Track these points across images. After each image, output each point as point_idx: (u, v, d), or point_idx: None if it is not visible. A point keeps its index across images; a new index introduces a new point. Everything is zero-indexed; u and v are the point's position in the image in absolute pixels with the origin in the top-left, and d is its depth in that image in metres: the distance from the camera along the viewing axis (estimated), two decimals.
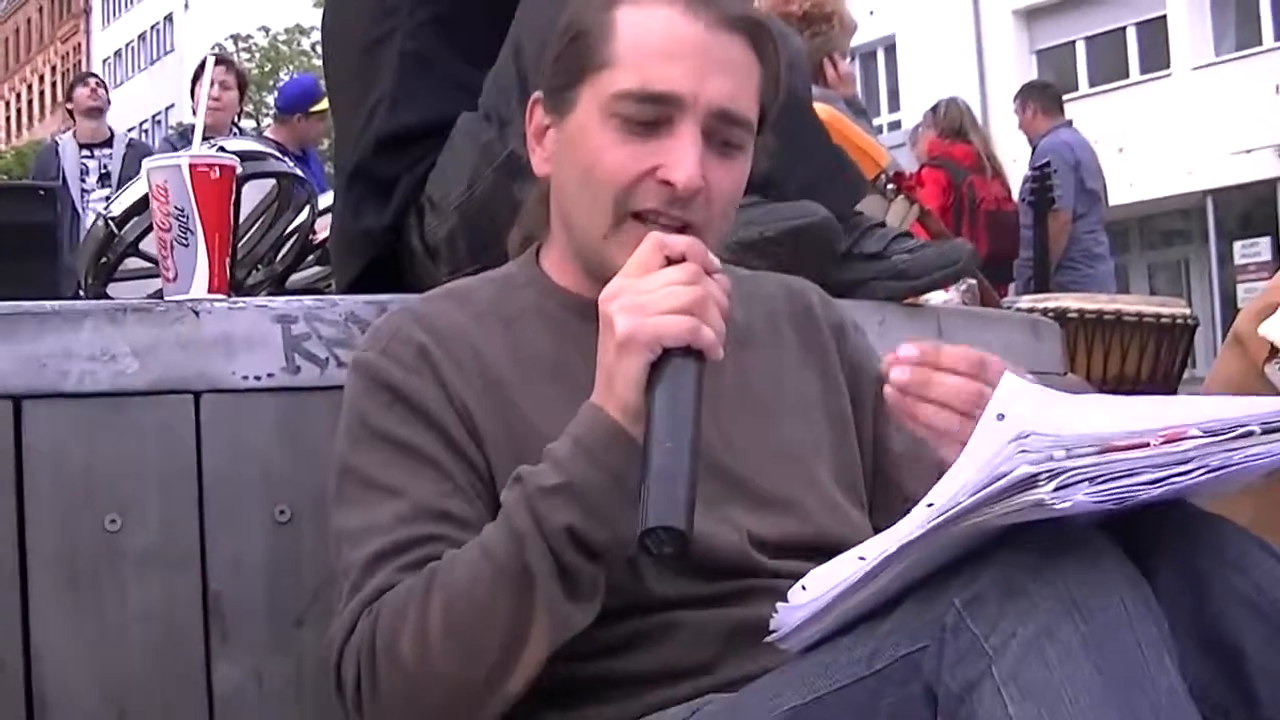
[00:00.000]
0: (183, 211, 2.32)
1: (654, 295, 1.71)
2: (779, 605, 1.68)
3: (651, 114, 1.87)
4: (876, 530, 1.75)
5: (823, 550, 1.84)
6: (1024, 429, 1.46)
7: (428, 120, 2.85)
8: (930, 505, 1.52)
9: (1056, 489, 1.43)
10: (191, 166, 2.32)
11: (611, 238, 1.89)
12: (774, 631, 1.69)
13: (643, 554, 1.61)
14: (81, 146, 9.09)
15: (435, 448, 1.86)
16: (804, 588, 1.66)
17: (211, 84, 4.02)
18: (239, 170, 2.44)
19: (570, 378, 1.90)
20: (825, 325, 2.15)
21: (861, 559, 1.58)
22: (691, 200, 1.86)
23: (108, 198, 8.24)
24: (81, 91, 9.43)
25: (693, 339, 1.69)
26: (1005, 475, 1.45)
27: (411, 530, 1.80)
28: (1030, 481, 1.44)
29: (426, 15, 2.89)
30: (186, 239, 2.32)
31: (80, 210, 8.52)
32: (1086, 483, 1.44)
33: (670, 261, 1.75)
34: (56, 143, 9.53)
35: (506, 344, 1.96)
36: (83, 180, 8.92)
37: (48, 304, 2.16)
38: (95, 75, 9.99)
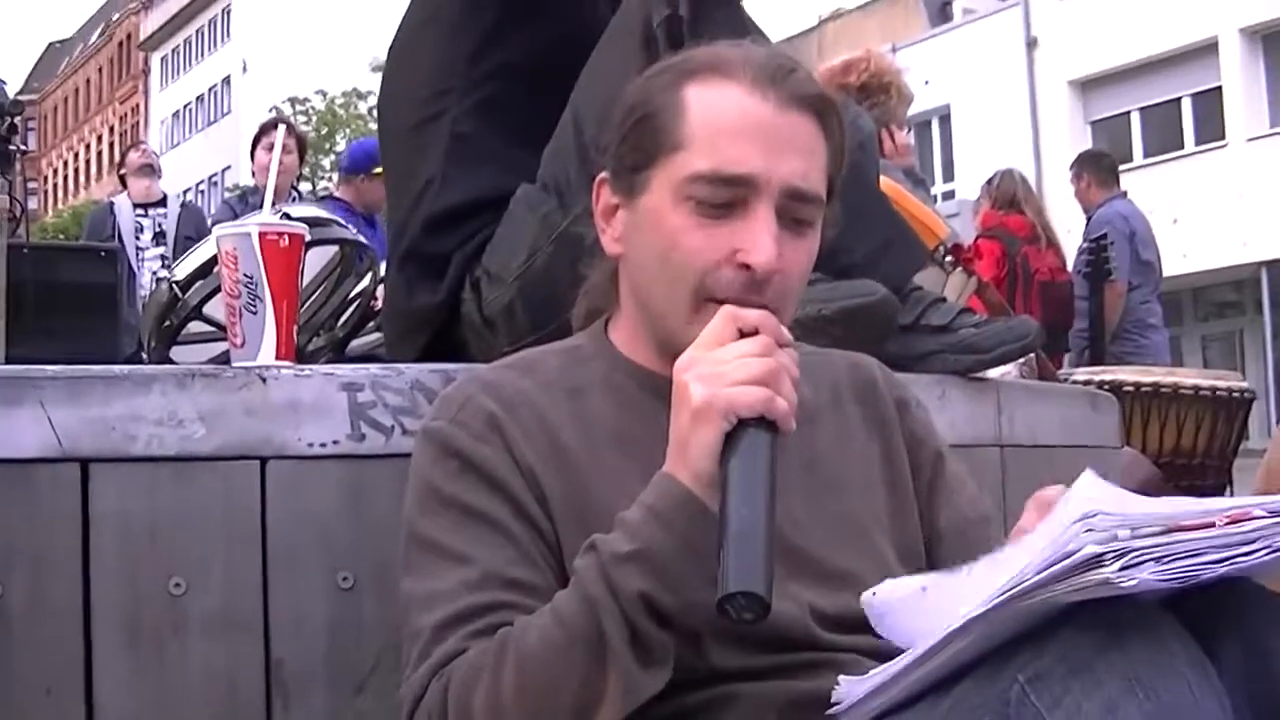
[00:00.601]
0: (252, 279, 2.34)
1: (729, 366, 1.73)
2: (843, 678, 1.69)
3: (726, 196, 1.87)
4: None
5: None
6: (1091, 509, 1.47)
7: (476, 198, 2.91)
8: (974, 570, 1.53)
9: (1122, 568, 1.44)
10: (261, 234, 2.35)
11: (693, 321, 1.88)
12: (836, 704, 1.70)
13: (722, 619, 1.62)
14: (136, 206, 9.14)
15: (504, 514, 1.86)
16: (874, 594, 1.69)
17: (274, 148, 4.06)
18: (307, 238, 2.46)
19: (635, 449, 1.91)
20: (888, 400, 2.16)
21: (923, 589, 1.59)
22: (769, 281, 1.87)
23: (163, 256, 8.31)
24: (134, 155, 9.48)
25: (766, 409, 1.71)
26: (1072, 554, 1.45)
27: (480, 597, 1.81)
28: (1096, 560, 1.45)
29: (477, 98, 2.94)
30: (255, 306, 2.34)
31: (135, 268, 8.59)
32: (1152, 562, 1.45)
33: (743, 334, 1.77)
34: (111, 203, 9.58)
35: (573, 414, 1.96)
36: (137, 239, 8.97)
37: (116, 368, 2.18)
38: (145, 142, 10.06)
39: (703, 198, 1.88)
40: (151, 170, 9.37)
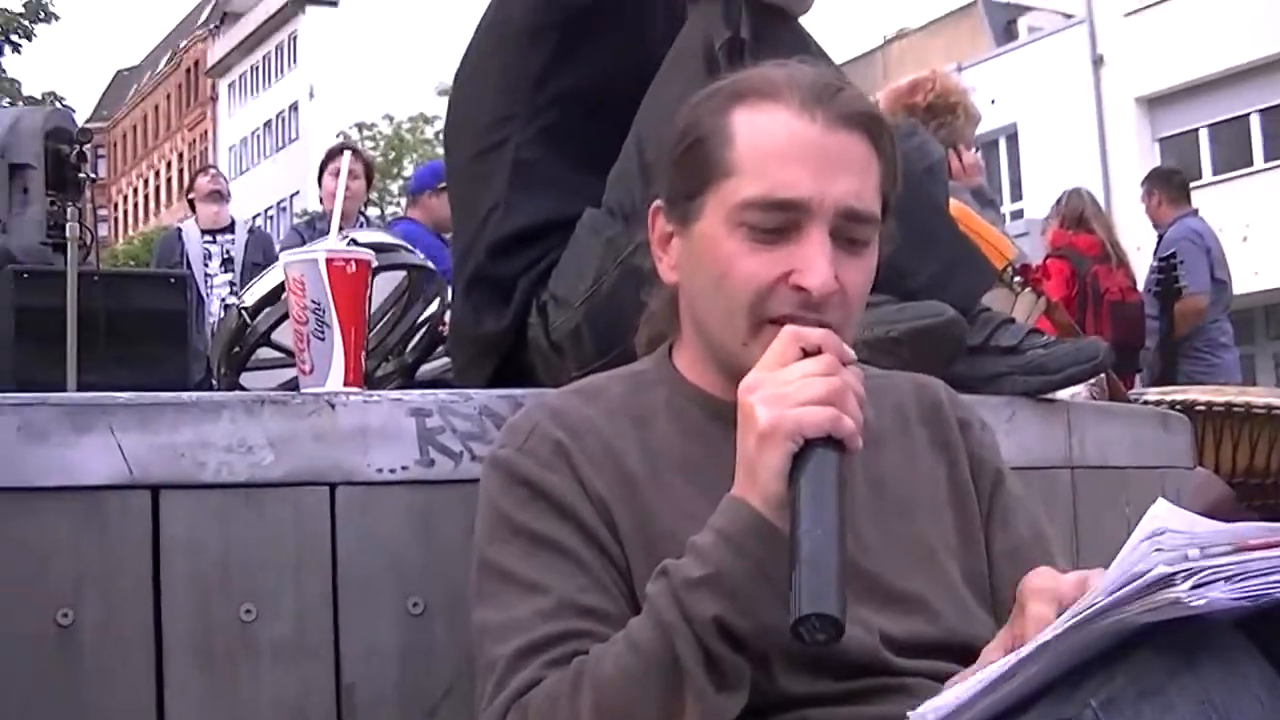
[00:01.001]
0: (319, 305, 2.35)
1: (793, 386, 1.72)
2: (916, 710, 1.67)
3: (779, 220, 1.87)
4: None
5: (951, 649, 1.84)
6: (1159, 527, 1.46)
7: (540, 223, 2.93)
8: None
9: (1193, 588, 1.42)
10: (328, 261, 2.36)
11: (751, 344, 1.88)
12: None
13: (794, 642, 1.61)
14: (204, 232, 9.19)
15: (574, 542, 1.86)
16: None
17: (340, 174, 4.08)
18: (374, 264, 2.47)
19: (700, 475, 1.91)
20: (953, 422, 2.14)
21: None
22: (826, 302, 1.86)
23: (231, 283, 8.36)
24: (203, 180, 9.52)
25: (833, 428, 1.70)
26: (1142, 574, 1.44)
27: (555, 626, 1.80)
28: (1167, 580, 1.43)
29: (539, 125, 2.97)
30: (323, 332, 2.35)
31: (204, 295, 8.64)
32: (1223, 581, 1.43)
33: (806, 353, 1.76)
34: (179, 229, 9.63)
35: (637, 440, 1.96)
36: (206, 265, 9.02)
37: (186, 395, 2.19)
38: (214, 166, 10.09)
39: (755, 223, 1.87)
40: (220, 196, 9.43)
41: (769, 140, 1.89)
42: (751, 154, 1.89)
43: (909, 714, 1.67)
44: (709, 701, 1.70)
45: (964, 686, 1.59)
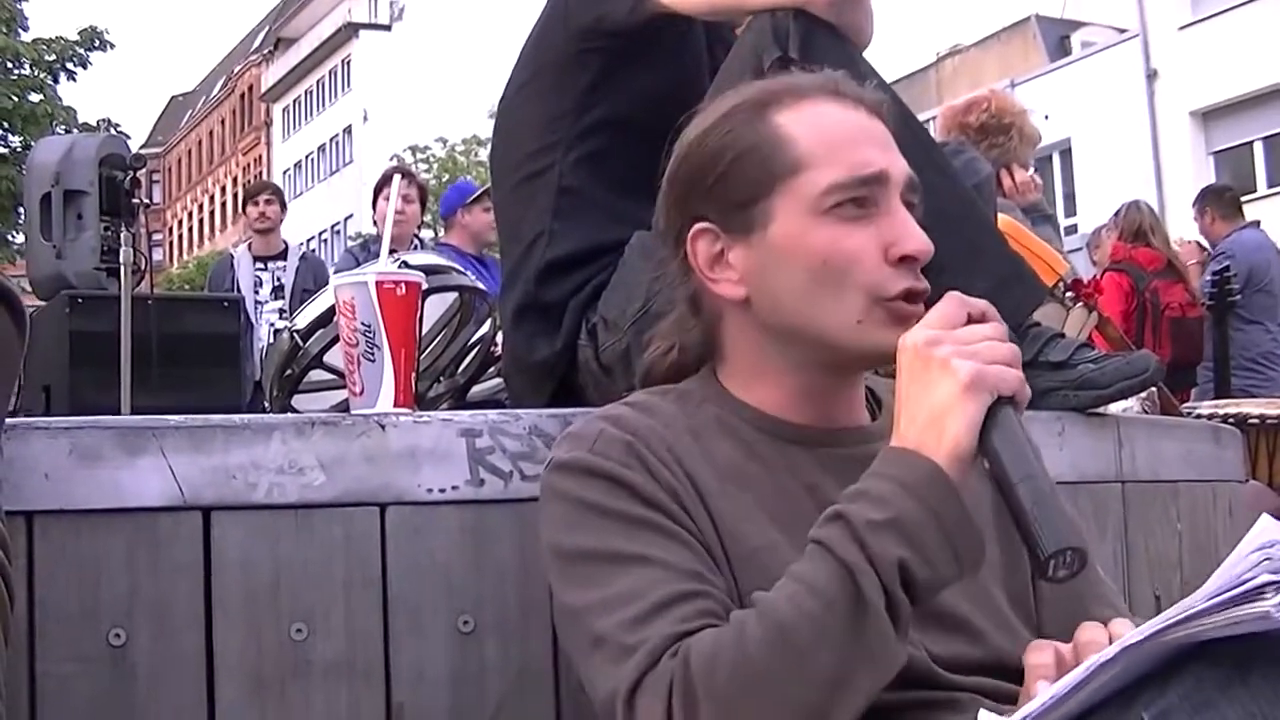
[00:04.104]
0: (369, 328, 2.36)
1: (981, 346, 1.75)
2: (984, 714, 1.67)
3: (865, 196, 1.92)
4: None
5: (995, 670, 1.83)
6: (1270, 539, 1.45)
7: (587, 248, 2.95)
8: None
9: None
10: (378, 284, 2.37)
11: (866, 322, 1.92)
12: None
13: (1043, 581, 1.68)
14: (255, 259, 9.22)
15: (665, 522, 1.85)
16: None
17: (391, 198, 4.10)
18: (424, 286, 2.48)
19: (756, 487, 1.92)
20: None
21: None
22: (922, 265, 1.93)
23: (281, 310, 8.40)
24: (252, 210, 9.51)
25: (1019, 391, 1.74)
26: (1246, 583, 1.43)
27: (678, 586, 1.78)
28: (1258, 592, 1.43)
29: (582, 151, 2.99)
30: (373, 354, 2.37)
31: (254, 321, 8.67)
32: None
33: (971, 319, 1.80)
34: (232, 255, 9.66)
35: (697, 449, 1.96)
36: (256, 292, 9.04)
37: (237, 417, 2.21)
38: (269, 189, 9.97)
39: (843, 206, 1.92)
40: (270, 230, 9.43)
41: (831, 128, 1.96)
42: (819, 144, 1.94)
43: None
44: (890, 647, 1.70)
45: (1034, 703, 1.59)
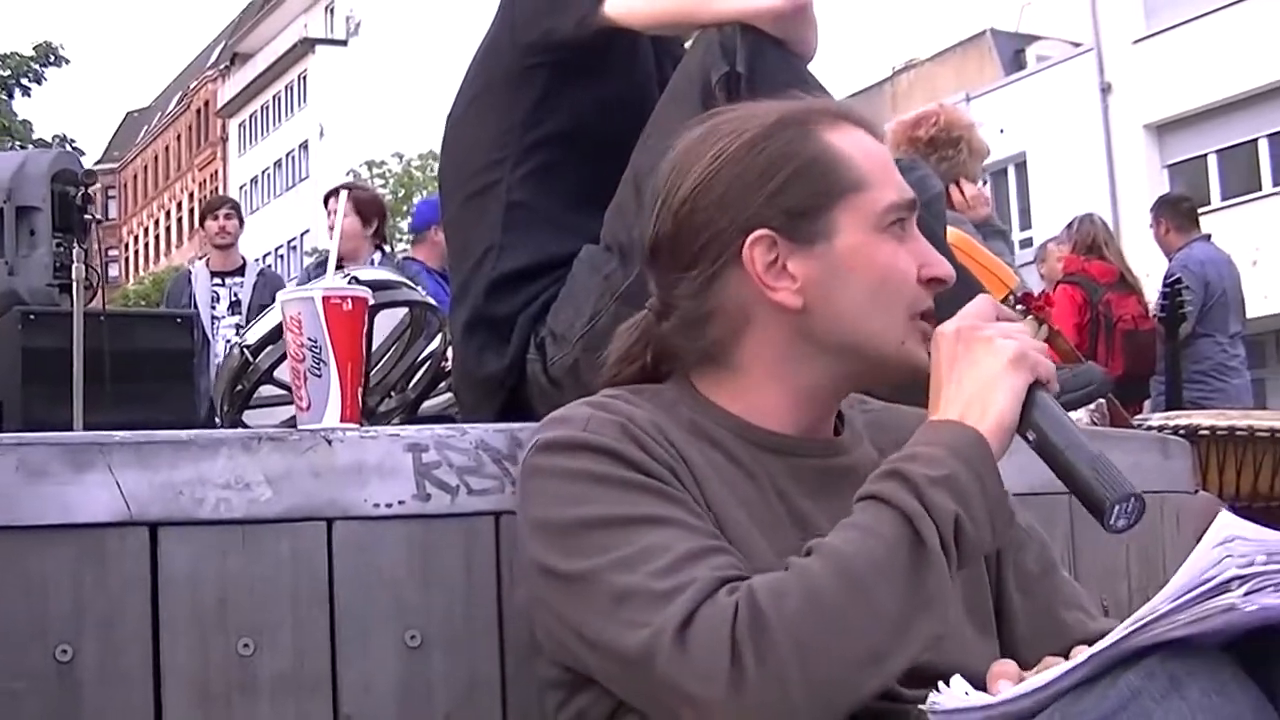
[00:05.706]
0: (316, 342, 2.36)
1: (1017, 333, 1.87)
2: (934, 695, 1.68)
3: (907, 218, 2.01)
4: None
5: (947, 679, 1.85)
6: (1229, 534, 1.47)
7: (536, 262, 2.96)
8: None
9: (1246, 593, 1.45)
10: (325, 299, 2.37)
11: (907, 338, 1.99)
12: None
13: (1105, 529, 1.77)
14: (213, 274, 9.20)
15: (673, 491, 1.86)
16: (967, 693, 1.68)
17: (335, 214, 4.08)
18: (371, 301, 2.48)
19: (736, 486, 1.95)
20: None
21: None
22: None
23: (238, 325, 8.39)
24: (211, 225, 9.50)
25: (1052, 379, 1.86)
26: (1213, 578, 1.47)
27: (704, 541, 1.79)
28: (1223, 587, 1.46)
29: (530, 166, 2.99)
30: (320, 369, 2.37)
31: (210, 337, 8.65)
32: (1272, 588, 1.46)
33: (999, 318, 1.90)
34: (190, 270, 9.66)
35: (683, 437, 1.96)
36: (213, 307, 9.02)
37: (183, 433, 2.20)
38: (228, 204, 9.97)
39: (893, 225, 1.99)
40: (229, 245, 9.41)
41: (872, 154, 2.03)
42: (871, 166, 2.01)
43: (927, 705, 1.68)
44: (946, 596, 1.74)
45: (999, 696, 1.61)
